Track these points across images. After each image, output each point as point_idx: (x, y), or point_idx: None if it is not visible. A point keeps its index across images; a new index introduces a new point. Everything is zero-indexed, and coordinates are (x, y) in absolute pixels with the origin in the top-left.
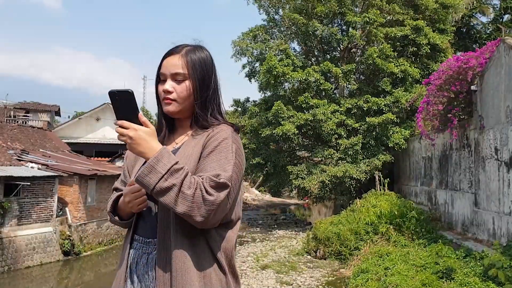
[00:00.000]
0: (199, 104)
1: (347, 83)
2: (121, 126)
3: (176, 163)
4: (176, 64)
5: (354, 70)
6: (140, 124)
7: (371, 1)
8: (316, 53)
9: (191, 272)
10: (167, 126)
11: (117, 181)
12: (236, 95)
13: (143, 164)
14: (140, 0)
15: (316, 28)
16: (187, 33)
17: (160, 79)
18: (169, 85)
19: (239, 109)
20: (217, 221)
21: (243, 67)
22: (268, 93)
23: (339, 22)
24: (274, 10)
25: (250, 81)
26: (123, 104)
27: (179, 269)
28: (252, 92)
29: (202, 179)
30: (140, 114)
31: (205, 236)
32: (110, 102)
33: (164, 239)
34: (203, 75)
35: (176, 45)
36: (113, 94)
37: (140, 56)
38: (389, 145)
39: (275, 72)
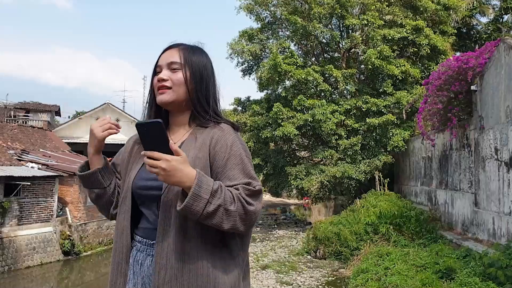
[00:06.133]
0: (199, 96)
1: (346, 86)
2: (151, 157)
3: (214, 183)
4: (173, 54)
5: (355, 71)
6: (171, 153)
7: (369, 4)
8: (315, 53)
9: (196, 276)
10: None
11: None
12: (235, 95)
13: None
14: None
15: (315, 29)
16: (188, 30)
17: (156, 72)
18: (164, 73)
19: (239, 108)
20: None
21: (241, 63)
22: (268, 91)
23: (338, 24)
24: (268, 13)
25: (245, 77)
26: (152, 135)
27: (180, 273)
28: (251, 91)
29: (238, 189)
30: (171, 142)
31: (220, 234)
32: (137, 133)
33: (163, 243)
34: (199, 68)
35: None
36: (141, 126)
37: (140, 56)
38: (388, 149)
39: (279, 69)
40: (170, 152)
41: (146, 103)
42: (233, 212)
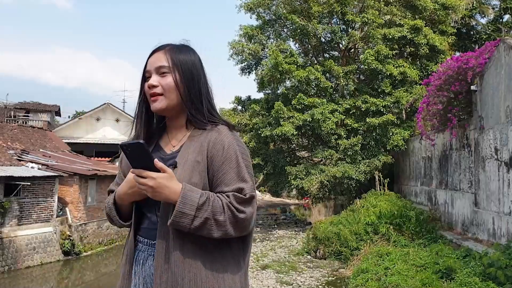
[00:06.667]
0: (192, 98)
1: (347, 83)
2: (138, 176)
3: (200, 196)
4: (160, 58)
5: (355, 70)
6: (157, 170)
7: (369, 2)
8: (315, 53)
9: (196, 275)
10: (159, 126)
11: (113, 183)
12: (236, 94)
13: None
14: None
15: (316, 29)
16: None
17: (146, 78)
18: (153, 79)
19: (240, 107)
20: (253, 226)
21: (241, 62)
22: (268, 91)
23: (338, 22)
24: (268, 12)
25: (244, 76)
26: (136, 154)
27: (181, 273)
28: (252, 91)
29: (228, 197)
30: (156, 160)
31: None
32: (123, 153)
33: (164, 243)
34: (189, 68)
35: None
36: (125, 147)
37: (140, 56)
38: (388, 148)
39: (280, 68)
40: (156, 169)
41: (136, 109)
42: (223, 222)
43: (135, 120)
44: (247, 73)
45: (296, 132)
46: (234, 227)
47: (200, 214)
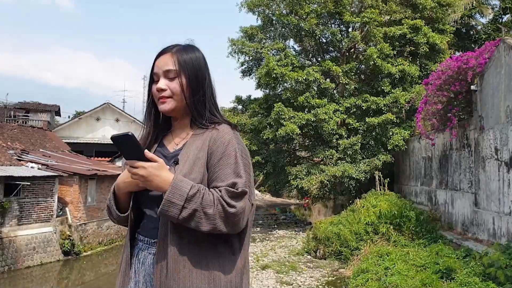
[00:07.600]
0: (195, 102)
1: (348, 80)
2: (131, 166)
3: (191, 187)
4: (167, 61)
5: (355, 68)
6: (148, 160)
7: (368, 2)
8: (314, 53)
9: (191, 272)
10: (165, 126)
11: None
12: (236, 92)
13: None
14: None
15: (314, 28)
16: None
17: (153, 80)
18: (162, 83)
19: (240, 106)
20: (245, 223)
21: (241, 64)
22: (267, 91)
23: (337, 22)
24: (268, 12)
25: (246, 77)
26: (127, 146)
27: (176, 269)
28: (251, 88)
29: (220, 191)
30: (146, 151)
31: (214, 236)
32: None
33: (164, 241)
34: (195, 71)
35: (168, 45)
36: (115, 139)
37: (140, 56)
38: (388, 148)
39: (274, 75)
40: (147, 160)
41: (145, 111)
42: (212, 215)
43: (145, 121)
44: (248, 75)
45: (299, 131)
46: (224, 221)
47: (189, 205)
